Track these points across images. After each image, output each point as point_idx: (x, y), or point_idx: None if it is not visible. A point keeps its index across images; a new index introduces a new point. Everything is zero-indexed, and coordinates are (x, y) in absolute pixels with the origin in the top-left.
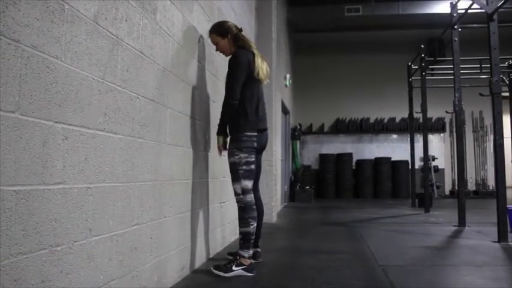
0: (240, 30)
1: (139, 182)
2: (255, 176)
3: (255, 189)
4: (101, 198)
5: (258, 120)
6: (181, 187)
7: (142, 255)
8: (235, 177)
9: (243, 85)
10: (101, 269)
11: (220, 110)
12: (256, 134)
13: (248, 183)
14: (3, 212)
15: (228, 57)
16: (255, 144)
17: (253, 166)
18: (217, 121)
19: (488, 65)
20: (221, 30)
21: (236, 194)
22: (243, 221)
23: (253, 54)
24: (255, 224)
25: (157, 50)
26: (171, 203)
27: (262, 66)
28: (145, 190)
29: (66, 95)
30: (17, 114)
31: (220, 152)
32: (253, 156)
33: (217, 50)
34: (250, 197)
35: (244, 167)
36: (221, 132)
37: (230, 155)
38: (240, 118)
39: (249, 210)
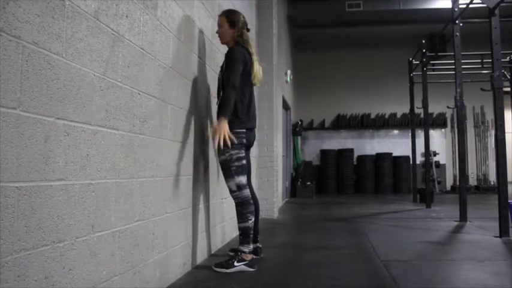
0: (248, 30)
1: (140, 178)
2: (247, 171)
3: (248, 184)
4: (102, 194)
5: (248, 119)
6: (183, 183)
7: (144, 251)
8: (229, 174)
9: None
10: (104, 265)
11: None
12: (245, 131)
13: (242, 179)
14: (6, 209)
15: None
16: (244, 140)
17: (244, 161)
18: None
19: (490, 60)
20: (232, 19)
21: (232, 191)
22: (241, 216)
23: (250, 55)
24: (253, 219)
25: (158, 46)
26: (173, 199)
27: (258, 71)
28: (147, 186)
29: (67, 92)
30: (19, 111)
31: (223, 137)
32: (243, 151)
33: (217, 32)
34: (247, 192)
35: (236, 163)
36: (227, 114)
37: (220, 153)
38: (231, 116)
39: (246, 205)
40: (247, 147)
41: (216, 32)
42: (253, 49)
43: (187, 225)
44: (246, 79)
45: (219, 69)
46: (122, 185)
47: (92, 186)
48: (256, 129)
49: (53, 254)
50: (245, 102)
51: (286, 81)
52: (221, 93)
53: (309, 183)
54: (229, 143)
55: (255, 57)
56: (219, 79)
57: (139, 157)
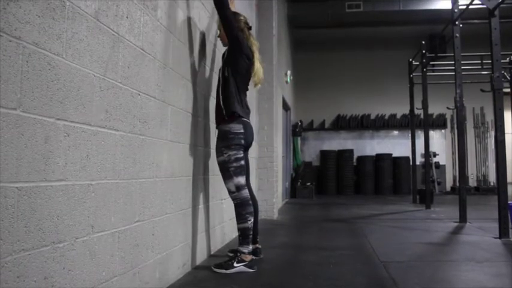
0: (249, 28)
1: (140, 178)
2: (246, 172)
3: (247, 185)
4: (102, 195)
5: (241, 107)
6: (183, 184)
7: (144, 252)
8: (227, 175)
9: (232, 76)
10: (103, 266)
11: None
12: (243, 131)
13: (241, 179)
14: (6, 209)
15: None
16: (243, 141)
17: (242, 162)
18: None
19: (490, 61)
20: None
21: (230, 192)
22: (240, 217)
23: (252, 54)
24: (253, 219)
25: (158, 47)
26: (173, 199)
27: (258, 69)
28: (147, 187)
29: (67, 92)
30: (19, 111)
31: None
32: (241, 152)
33: (218, 36)
34: (246, 193)
35: (234, 164)
36: None
37: (219, 154)
38: (225, 101)
39: (245, 205)
40: (246, 148)
41: (218, 36)
42: (254, 47)
43: (187, 226)
44: (245, 74)
45: (220, 68)
46: (121, 185)
47: (92, 187)
48: (253, 128)
49: (52, 254)
50: (238, 94)
51: (286, 82)
52: (220, 90)
53: (308, 184)
54: None
55: (256, 56)
56: (219, 70)
57: (139, 158)
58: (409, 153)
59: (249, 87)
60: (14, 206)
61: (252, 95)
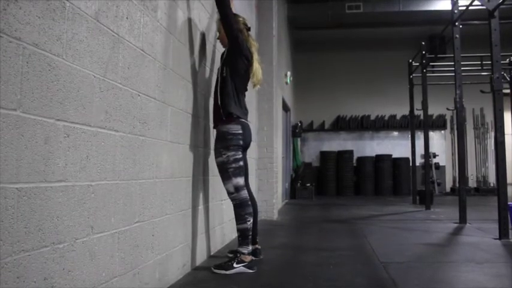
0: (248, 29)
1: (140, 179)
2: (244, 172)
3: (246, 185)
4: (102, 195)
5: (239, 107)
6: (182, 184)
7: (144, 253)
8: (226, 176)
9: (230, 76)
10: (103, 266)
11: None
12: (241, 132)
13: (240, 180)
14: (6, 210)
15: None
16: (241, 142)
17: (241, 163)
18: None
19: (489, 62)
20: None
21: (229, 193)
22: (239, 217)
23: (251, 54)
24: (252, 220)
25: (158, 48)
26: (172, 200)
27: (257, 70)
28: (147, 187)
29: (67, 93)
30: (19, 112)
31: None
32: (240, 153)
33: (217, 38)
34: (245, 193)
35: (233, 165)
36: None
37: (217, 155)
38: (223, 101)
39: (244, 206)
40: (244, 148)
41: (217, 38)
42: (253, 48)
43: (187, 227)
44: (244, 75)
45: (218, 68)
46: (121, 186)
47: (92, 188)
48: (251, 128)
49: (52, 255)
50: (236, 94)
51: (286, 83)
52: (218, 90)
53: (308, 184)
54: None
55: (255, 57)
56: (218, 70)
57: (139, 158)
58: (409, 154)
59: (248, 87)
60: (14, 207)
61: (251, 96)
